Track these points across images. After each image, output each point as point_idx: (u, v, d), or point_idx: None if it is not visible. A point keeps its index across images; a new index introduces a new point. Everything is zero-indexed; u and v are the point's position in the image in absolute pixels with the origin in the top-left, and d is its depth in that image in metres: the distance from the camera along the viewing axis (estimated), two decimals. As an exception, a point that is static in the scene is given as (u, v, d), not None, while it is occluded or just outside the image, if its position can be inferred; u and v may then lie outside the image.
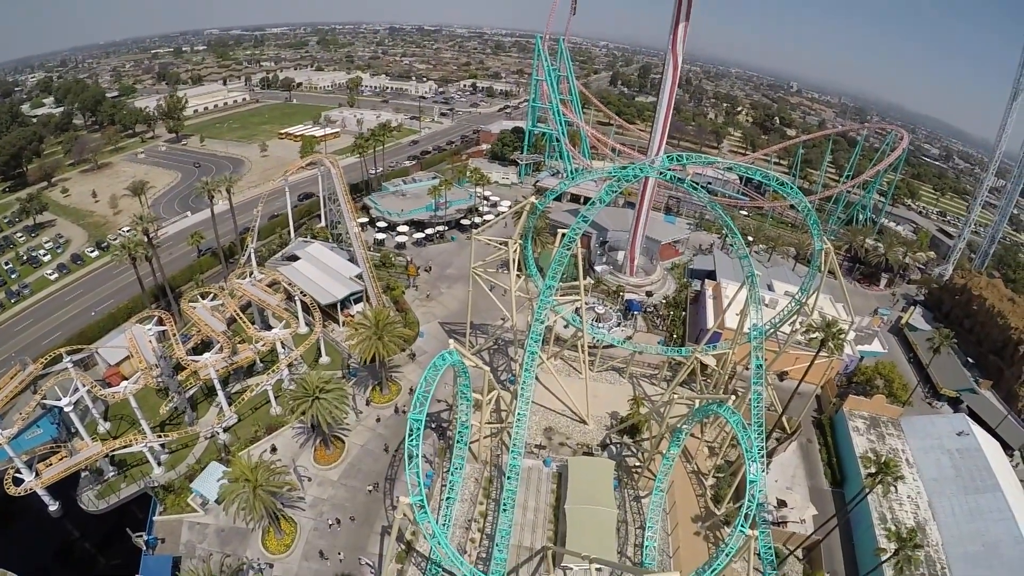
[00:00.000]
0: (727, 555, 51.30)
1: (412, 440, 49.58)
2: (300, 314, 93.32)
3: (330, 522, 65.78)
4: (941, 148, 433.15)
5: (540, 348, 68.22)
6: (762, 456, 57.36)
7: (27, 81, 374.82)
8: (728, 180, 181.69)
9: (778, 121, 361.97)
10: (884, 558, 58.38)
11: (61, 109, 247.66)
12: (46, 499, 67.80)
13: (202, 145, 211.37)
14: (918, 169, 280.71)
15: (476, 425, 70.60)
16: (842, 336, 73.78)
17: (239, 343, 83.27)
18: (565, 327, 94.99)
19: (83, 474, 70.13)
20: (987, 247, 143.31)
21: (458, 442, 66.12)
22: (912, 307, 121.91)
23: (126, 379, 72.00)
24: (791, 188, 71.43)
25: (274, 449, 75.30)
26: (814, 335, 73.59)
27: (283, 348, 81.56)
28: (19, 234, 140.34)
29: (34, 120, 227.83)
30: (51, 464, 66.90)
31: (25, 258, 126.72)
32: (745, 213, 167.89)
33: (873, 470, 59.47)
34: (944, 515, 68.27)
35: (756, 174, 73.13)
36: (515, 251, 77.53)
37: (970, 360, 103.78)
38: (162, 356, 75.71)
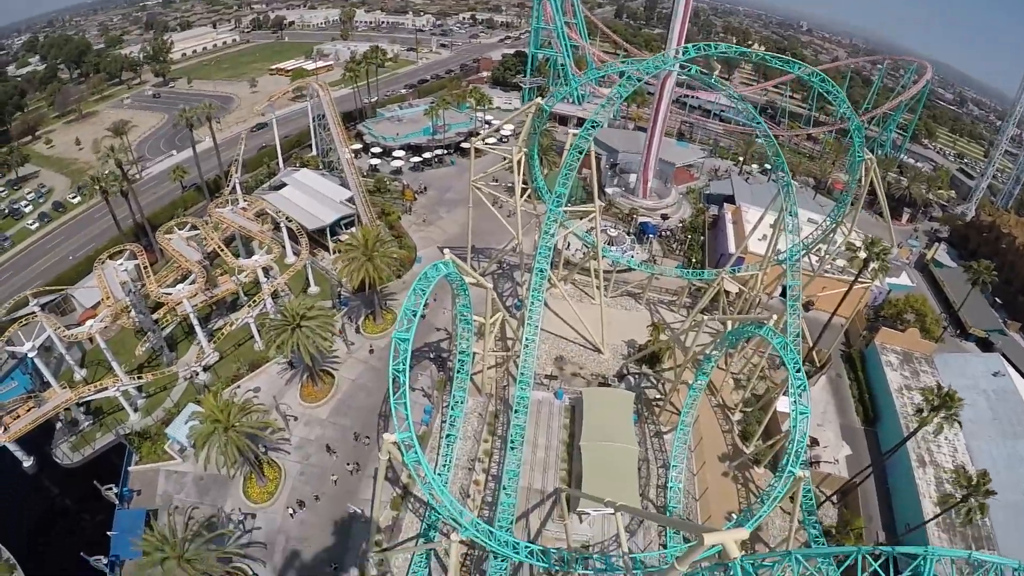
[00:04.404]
0: (775, 499, 45.38)
1: (397, 364, 40.25)
2: (287, 243, 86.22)
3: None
4: (955, 94, 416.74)
5: (549, 268, 61.20)
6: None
7: (13, 44, 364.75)
8: (741, 110, 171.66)
9: (791, 56, 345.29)
10: (949, 505, 52.24)
11: (45, 65, 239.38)
12: (19, 455, 61.28)
13: (190, 86, 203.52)
14: (934, 111, 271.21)
15: (479, 353, 63.25)
16: (887, 255, 68.08)
17: (220, 275, 76.59)
18: (575, 252, 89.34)
19: (58, 426, 65.02)
20: (1011, 188, 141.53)
21: (458, 373, 59.24)
22: (936, 244, 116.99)
23: (100, 320, 65.63)
24: (831, 85, 65.18)
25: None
26: (855, 255, 66.43)
27: (266, 277, 74.58)
28: (1, 189, 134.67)
29: (19, 79, 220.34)
30: (18, 417, 60.32)
31: (7, 211, 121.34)
32: (760, 141, 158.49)
33: (936, 403, 52.37)
34: (982, 460, 62.04)
35: (794, 68, 67.11)
36: (520, 159, 69.63)
37: (997, 300, 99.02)
38: (132, 292, 68.93)
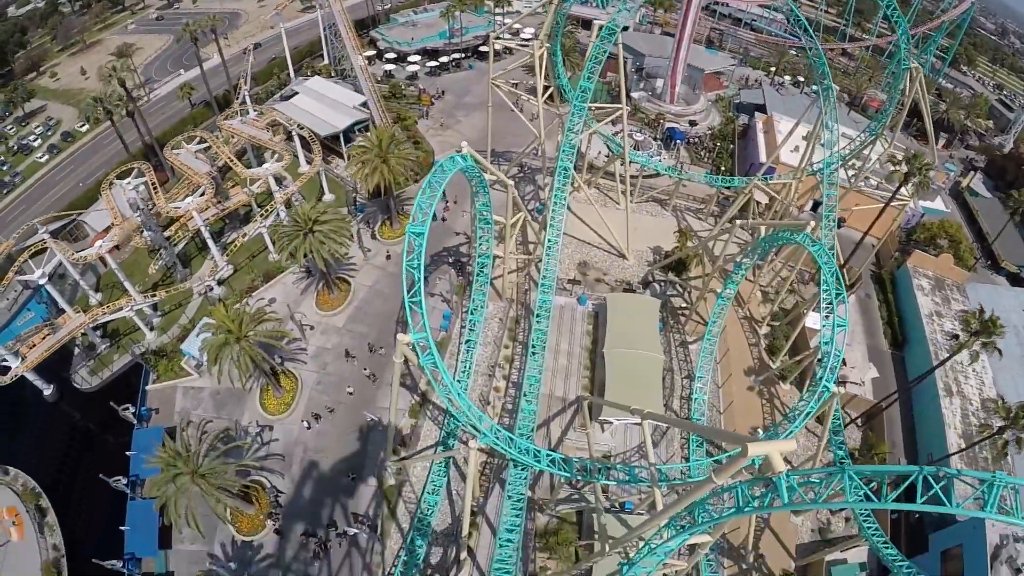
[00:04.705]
0: (807, 414, 43.93)
1: (411, 259, 37.48)
2: (300, 151, 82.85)
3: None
4: (997, 24, 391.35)
5: (573, 168, 57.99)
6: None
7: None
8: (775, 19, 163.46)
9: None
10: (984, 436, 50.43)
11: (45, 1, 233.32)
12: (38, 383, 61.04)
13: (195, 5, 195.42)
14: (975, 39, 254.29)
15: (499, 257, 60.26)
16: (929, 171, 64.87)
17: (231, 188, 74.21)
18: (598, 155, 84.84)
19: (75, 351, 64.35)
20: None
21: (478, 277, 56.10)
22: (972, 172, 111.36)
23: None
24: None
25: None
26: (896, 169, 64.65)
27: (277, 186, 71.83)
28: (10, 127, 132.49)
29: (19, 18, 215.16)
30: (34, 345, 59.52)
31: (16, 148, 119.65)
32: (794, 52, 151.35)
33: (976, 328, 49.94)
34: (1009, 395, 58.75)
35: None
36: (542, 55, 64.89)
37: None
38: (141, 209, 66.48)
